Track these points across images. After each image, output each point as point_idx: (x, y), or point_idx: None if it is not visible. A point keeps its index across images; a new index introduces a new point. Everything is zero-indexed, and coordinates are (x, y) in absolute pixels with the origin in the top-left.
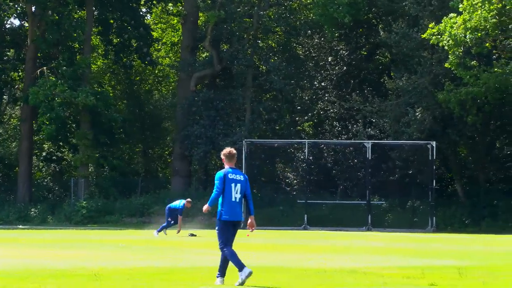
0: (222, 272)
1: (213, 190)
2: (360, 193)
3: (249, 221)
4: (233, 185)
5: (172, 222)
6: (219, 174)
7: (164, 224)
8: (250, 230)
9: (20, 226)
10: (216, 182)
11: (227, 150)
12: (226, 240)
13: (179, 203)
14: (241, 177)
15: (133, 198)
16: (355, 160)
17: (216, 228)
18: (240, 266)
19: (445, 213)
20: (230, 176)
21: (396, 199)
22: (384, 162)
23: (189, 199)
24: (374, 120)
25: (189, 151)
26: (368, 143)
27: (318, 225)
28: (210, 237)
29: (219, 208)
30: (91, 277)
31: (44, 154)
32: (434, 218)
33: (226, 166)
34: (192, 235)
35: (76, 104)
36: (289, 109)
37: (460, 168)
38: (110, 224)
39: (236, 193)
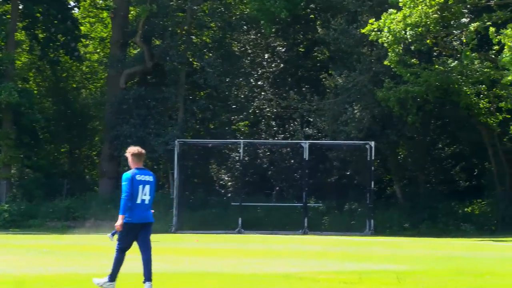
0: (147, 276)
1: (121, 195)
2: (297, 195)
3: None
4: (141, 187)
5: None
6: (126, 175)
7: None
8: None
9: None
10: (123, 183)
11: (134, 148)
12: (125, 244)
13: None
14: (150, 178)
15: (58, 201)
16: (292, 161)
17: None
18: (112, 278)
19: (384, 215)
20: (138, 177)
21: (333, 201)
22: (321, 163)
23: None
24: (311, 120)
25: (119, 152)
26: (305, 143)
27: (253, 228)
28: None
29: None
30: (12, 284)
31: None
32: (372, 221)
33: (133, 167)
34: None
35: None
36: (224, 108)
37: (399, 169)
38: (33, 228)
39: (145, 194)
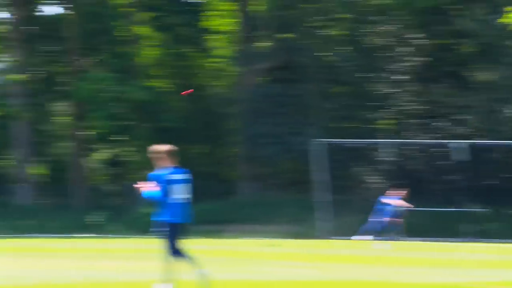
0: None
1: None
2: (457, 199)
3: None
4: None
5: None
6: (159, 174)
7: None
8: None
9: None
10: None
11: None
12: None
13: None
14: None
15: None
16: (446, 162)
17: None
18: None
19: None
20: (173, 176)
21: (506, 206)
22: (482, 164)
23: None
24: (461, 118)
25: (257, 152)
26: (462, 143)
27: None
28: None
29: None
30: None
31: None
32: None
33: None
34: None
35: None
36: (363, 106)
37: None
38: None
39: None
